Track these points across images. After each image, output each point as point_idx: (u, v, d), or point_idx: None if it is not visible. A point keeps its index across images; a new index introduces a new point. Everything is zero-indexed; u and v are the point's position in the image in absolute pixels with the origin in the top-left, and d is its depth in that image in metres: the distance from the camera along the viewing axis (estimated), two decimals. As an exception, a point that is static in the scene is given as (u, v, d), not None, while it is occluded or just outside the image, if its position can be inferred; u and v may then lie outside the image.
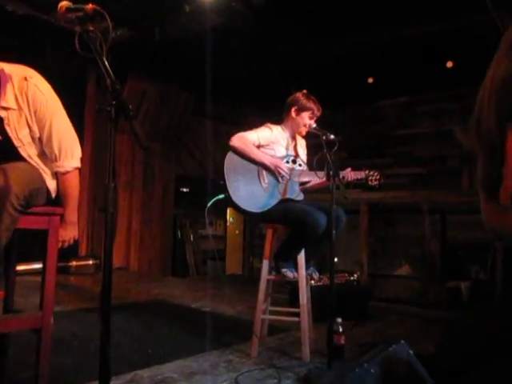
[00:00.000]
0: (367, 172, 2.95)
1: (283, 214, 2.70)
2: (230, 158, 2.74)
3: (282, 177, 2.76)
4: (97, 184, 6.15)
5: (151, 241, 6.80)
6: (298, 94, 2.93)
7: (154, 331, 3.15)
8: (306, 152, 3.11)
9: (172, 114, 6.94)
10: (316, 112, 2.87)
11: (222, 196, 2.69)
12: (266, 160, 2.77)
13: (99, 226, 6.17)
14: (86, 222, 6.12)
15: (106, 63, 1.34)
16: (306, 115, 2.87)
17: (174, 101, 6.85)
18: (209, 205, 2.70)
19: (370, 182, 2.91)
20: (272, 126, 2.91)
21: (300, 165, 2.89)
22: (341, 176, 2.71)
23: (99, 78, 5.74)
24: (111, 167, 1.25)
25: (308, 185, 2.99)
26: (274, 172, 2.75)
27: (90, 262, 5.78)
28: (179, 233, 7.46)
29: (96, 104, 6.00)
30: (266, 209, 2.68)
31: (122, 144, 6.36)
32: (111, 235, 1.27)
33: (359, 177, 2.90)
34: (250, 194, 2.68)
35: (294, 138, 3.01)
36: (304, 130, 2.90)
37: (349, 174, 2.82)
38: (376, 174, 2.93)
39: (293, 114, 2.91)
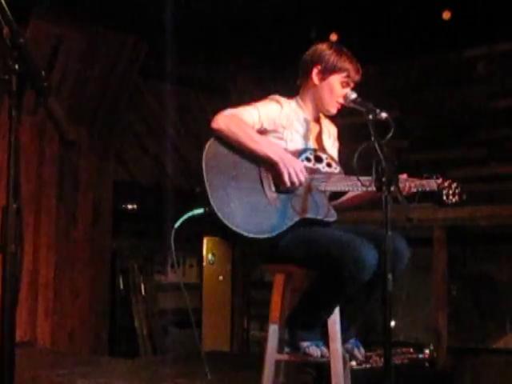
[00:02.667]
0: (440, 181, 2.98)
1: (303, 245, 2.73)
2: (213, 149, 2.77)
3: (294, 184, 2.77)
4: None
5: (73, 297, 6.79)
6: (323, 46, 2.96)
7: None
8: (337, 144, 3.15)
9: (108, 76, 6.96)
10: (353, 75, 2.91)
11: (199, 211, 2.72)
12: (272, 152, 2.80)
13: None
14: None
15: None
16: (336, 80, 2.90)
17: (112, 54, 6.88)
18: (177, 225, 2.72)
19: (445, 199, 2.95)
20: (282, 100, 2.94)
21: (329, 165, 2.93)
22: (401, 184, 2.74)
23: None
24: (13, 175, 1.27)
25: (344, 198, 3.01)
26: (282, 174, 2.78)
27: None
28: (121, 281, 7.45)
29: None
30: (275, 233, 2.71)
31: (21, 132, 6.38)
32: (13, 290, 1.29)
33: (427, 188, 2.94)
34: (247, 207, 2.72)
35: (317, 121, 3.05)
36: (335, 106, 2.93)
37: (405, 185, 2.86)
38: (455, 185, 2.98)
39: (315, 79, 2.94)
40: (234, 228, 2.66)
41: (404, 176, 2.88)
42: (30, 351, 6.12)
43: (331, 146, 3.07)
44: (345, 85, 2.90)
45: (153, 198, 7.18)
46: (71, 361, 5.82)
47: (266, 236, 2.69)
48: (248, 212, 2.70)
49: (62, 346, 6.61)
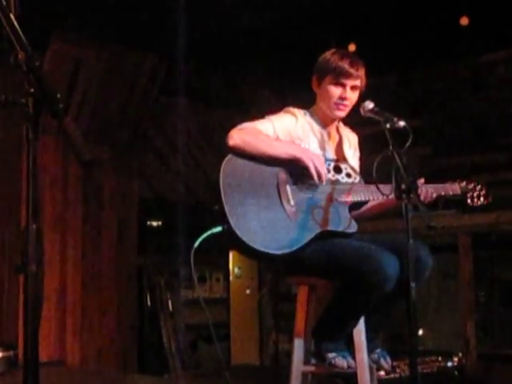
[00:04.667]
0: (464, 184, 2.97)
1: (323, 258, 2.74)
2: (231, 165, 2.78)
3: (320, 176, 2.78)
4: (3, 225, 6.22)
5: (101, 315, 6.82)
6: (322, 55, 2.99)
7: None
8: (358, 154, 3.14)
9: (128, 95, 7.02)
10: (342, 70, 2.87)
11: (217, 229, 2.73)
12: (293, 150, 2.80)
13: (12, 294, 6.22)
14: (-13, 288, 6.19)
15: (15, 22, 1.39)
16: (328, 82, 2.90)
17: (132, 72, 6.94)
18: (196, 244, 2.73)
19: (470, 202, 2.94)
20: (297, 112, 2.97)
21: (348, 175, 2.94)
22: (420, 191, 2.74)
23: (2, 50, 5.76)
24: (31, 196, 1.29)
25: (364, 208, 3.01)
26: (308, 167, 2.77)
27: (-1, 356, 5.81)
28: (148, 298, 7.47)
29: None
30: (294, 248, 2.71)
31: (45, 152, 6.43)
32: (36, 310, 1.30)
33: (450, 193, 2.93)
34: (265, 224, 2.72)
35: (336, 131, 3.07)
36: (336, 108, 2.92)
37: (425, 191, 2.85)
38: (479, 187, 2.96)
39: (315, 88, 2.98)
40: (252, 245, 2.66)
41: (422, 181, 2.87)
42: (59, 370, 6.15)
43: (352, 155, 3.08)
44: (338, 85, 2.89)
45: (177, 214, 7.19)
46: (100, 379, 5.85)
47: (284, 252, 2.69)
48: (266, 228, 2.71)
49: (90, 364, 6.63)
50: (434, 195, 2.90)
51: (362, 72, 2.92)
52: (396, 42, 6.15)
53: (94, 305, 6.78)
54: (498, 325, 5.59)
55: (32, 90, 1.36)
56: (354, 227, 2.83)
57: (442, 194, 2.94)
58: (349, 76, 2.88)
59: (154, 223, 7.66)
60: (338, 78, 2.88)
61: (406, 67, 6.58)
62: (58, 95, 1.36)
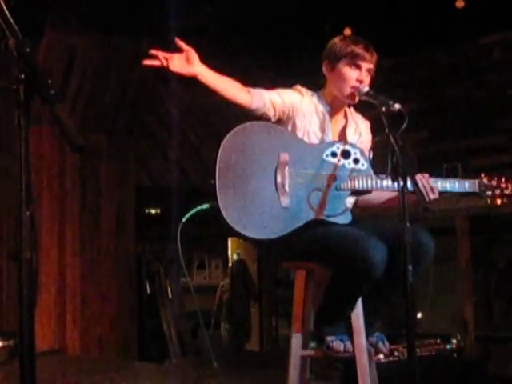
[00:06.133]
0: (486, 181, 2.93)
1: (314, 244, 2.74)
2: (231, 143, 2.74)
3: None
4: (2, 214, 6.21)
5: (100, 303, 6.83)
6: (331, 40, 2.98)
7: None
8: (366, 140, 3.09)
9: (125, 82, 7.00)
10: (359, 53, 2.87)
11: (205, 206, 2.72)
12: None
13: (9, 282, 6.23)
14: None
15: (4, 8, 1.39)
16: (343, 65, 2.89)
17: (128, 60, 6.91)
18: (184, 219, 2.72)
19: (487, 199, 2.91)
20: (304, 91, 2.96)
21: (356, 161, 2.89)
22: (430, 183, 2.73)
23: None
24: (23, 184, 1.29)
25: (368, 196, 2.95)
26: None
27: (-1, 345, 5.82)
28: (147, 286, 7.48)
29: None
30: (277, 235, 2.70)
31: (42, 142, 6.42)
32: (31, 297, 1.30)
33: (467, 188, 2.91)
34: (254, 208, 2.71)
35: (344, 116, 3.05)
36: (351, 91, 2.89)
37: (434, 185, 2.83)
38: (506, 184, 2.91)
39: (326, 72, 2.96)
40: (234, 226, 2.66)
41: (426, 176, 2.83)
42: (59, 359, 6.17)
43: (356, 141, 3.01)
44: (354, 67, 2.88)
45: (175, 201, 7.18)
46: (101, 367, 5.85)
47: (266, 237, 2.70)
48: (254, 212, 2.70)
49: (91, 353, 6.65)
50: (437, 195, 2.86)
51: (375, 57, 2.92)
52: (392, 26, 6.13)
53: (93, 293, 6.78)
54: (497, 307, 5.60)
55: (23, 77, 1.35)
56: (347, 218, 2.82)
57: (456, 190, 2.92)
58: (364, 59, 2.88)
59: (153, 211, 7.65)
60: (354, 60, 2.87)
61: (401, 51, 6.56)
62: (50, 81, 1.35)
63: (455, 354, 4.06)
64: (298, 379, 2.81)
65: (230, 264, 8.02)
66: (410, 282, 2.39)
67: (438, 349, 4.01)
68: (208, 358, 6.99)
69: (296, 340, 2.80)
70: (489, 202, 2.94)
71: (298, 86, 2.98)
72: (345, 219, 2.80)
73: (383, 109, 2.59)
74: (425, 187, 2.78)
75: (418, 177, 2.76)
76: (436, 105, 6.77)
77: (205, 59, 2.76)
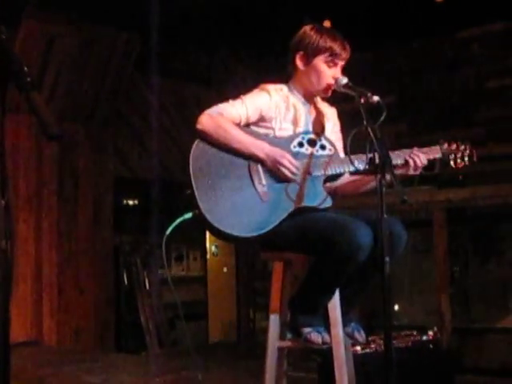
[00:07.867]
0: (446, 146, 2.96)
1: (298, 233, 2.73)
2: (200, 149, 2.77)
3: (291, 174, 2.78)
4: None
5: (77, 294, 6.81)
6: (304, 30, 2.95)
7: None
8: (337, 127, 3.12)
9: (102, 72, 6.96)
10: (337, 52, 2.87)
11: (188, 215, 2.72)
12: (258, 150, 2.80)
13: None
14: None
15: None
16: (320, 61, 2.88)
17: (106, 49, 6.87)
18: (168, 231, 2.73)
19: (453, 164, 2.93)
20: (271, 89, 2.93)
21: (323, 147, 2.91)
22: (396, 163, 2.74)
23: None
24: (-1, 171, 1.28)
25: (339, 182, 3.00)
26: (272, 170, 2.79)
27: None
28: (125, 277, 7.46)
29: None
30: (266, 229, 2.71)
31: (19, 131, 6.38)
32: (6, 287, 1.29)
33: (433, 156, 2.93)
34: (237, 207, 2.72)
35: (314, 106, 3.04)
36: (327, 88, 2.90)
37: (415, 157, 2.84)
38: (463, 147, 2.95)
39: (300, 64, 2.92)
40: (223, 229, 2.67)
41: (413, 150, 2.87)
42: (36, 350, 6.15)
43: (331, 129, 3.04)
44: (331, 64, 2.87)
45: (153, 193, 7.16)
46: (77, 358, 5.84)
47: (256, 234, 2.70)
48: (238, 211, 2.71)
49: (67, 344, 6.64)
50: (424, 161, 2.87)
51: (350, 53, 2.93)
52: (371, 18, 6.14)
53: (70, 284, 6.76)
54: (473, 299, 5.65)
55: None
56: (329, 202, 2.82)
57: (429, 157, 2.92)
58: (342, 57, 2.89)
59: (130, 202, 7.63)
60: (333, 58, 2.87)
61: (381, 44, 6.57)
62: (26, 69, 1.33)
63: (431, 346, 4.08)
64: (274, 370, 2.80)
65: (208, 255, 8.04)
66: (387, 274, 2.40)
67: (414, 340, 4.03)
68: (186, 349, 7.02)
69: (273, 331, 2.79)
70: (453, 165, 2.96)
71: (265, 86, 2.95)
72: (326, 203, 2.81)
73: (362, 100, 2.60)
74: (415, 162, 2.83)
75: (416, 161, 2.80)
76: (413, 97, 6.81)
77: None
